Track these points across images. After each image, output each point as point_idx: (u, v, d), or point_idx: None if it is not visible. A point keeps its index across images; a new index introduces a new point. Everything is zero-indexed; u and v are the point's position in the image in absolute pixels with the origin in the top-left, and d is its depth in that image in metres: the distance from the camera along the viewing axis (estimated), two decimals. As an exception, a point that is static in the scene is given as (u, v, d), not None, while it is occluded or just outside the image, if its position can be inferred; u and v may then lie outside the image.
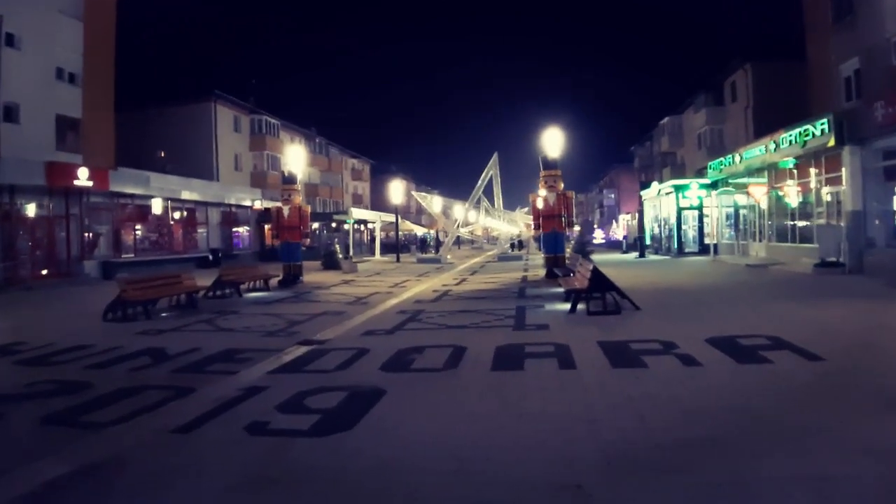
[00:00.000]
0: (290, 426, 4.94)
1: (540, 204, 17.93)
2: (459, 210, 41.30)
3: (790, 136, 18.51)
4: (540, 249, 38.37)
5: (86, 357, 8.19)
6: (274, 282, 18.32)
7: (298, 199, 19.46)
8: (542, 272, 21.37)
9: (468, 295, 15.07)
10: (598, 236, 71.61)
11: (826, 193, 18.18)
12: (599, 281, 10.52)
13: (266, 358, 7.78)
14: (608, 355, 7.17)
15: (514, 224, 41.30)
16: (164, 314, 12.53)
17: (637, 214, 49.00)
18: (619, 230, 74.42)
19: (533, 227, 19.47)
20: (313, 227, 34.10)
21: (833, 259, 16.52)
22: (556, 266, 17.56)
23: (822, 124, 16.68)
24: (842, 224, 16.92)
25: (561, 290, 14.71)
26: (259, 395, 5.94)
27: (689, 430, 4.53)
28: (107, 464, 4.25)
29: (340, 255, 27.13)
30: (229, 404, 5.65)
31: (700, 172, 33.64)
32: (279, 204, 19.74)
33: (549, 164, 18.02)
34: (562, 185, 17.93)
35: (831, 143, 16.40)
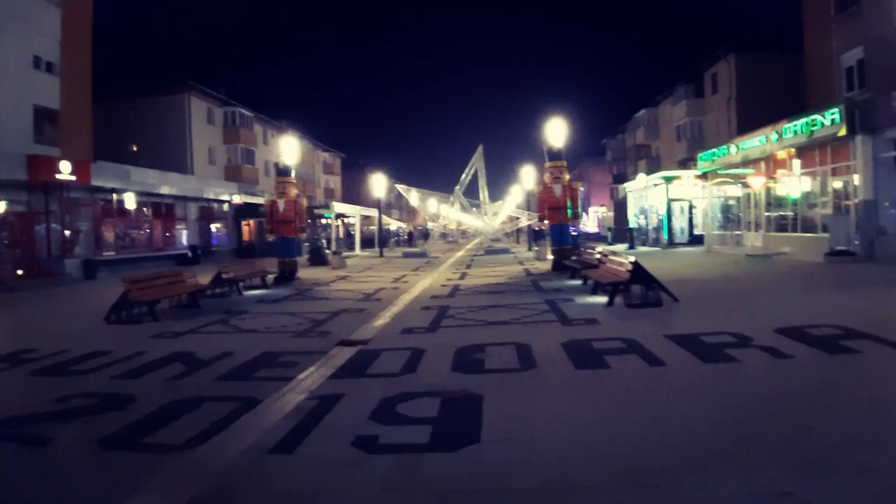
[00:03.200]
0: (404, 440, 4.41)
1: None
2: (434, 204, 40.82)
3: (795, 126, 18.58)
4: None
5: (109, 365, 7.45)
6: (269, 279, 17.55)
7: (294, 191, 18.62)
8: (542, 265, 21.16)
9: (481, 289, 14.61)
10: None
11: (832, 183, 18.28)
12: (640, 273, 10.20)
13: (313, 361, 7.18)
14: (688, 350, 6.86)
15: (482, 219, 40.77)
16: (169, 315, 11.73)
17: (613, 206, 49.42)
18: (590, 222, 75.08)
19: (538, 219, 19.12)
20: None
21: (843, 248, 16.59)
22: (563, 258, 17.27)
23: (833, 114, 16.74)
24: (851, 213, 17.03)
25: (577, 282, 14.47)
26: (340, 404, 5.38)
27: (861, 426, 4.28)
28: (217, 497, 3.64)
29: (328, 251, 26.29)
30: (313, 415, 5.07)
31: (684, 164, 33.93)
32: (264, 199, 18.91)
33: (554, 155, 17.69)
34: (567, 177, 17.62)
35: (842, 132, 16.46)
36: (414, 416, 4.95)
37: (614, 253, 12.90)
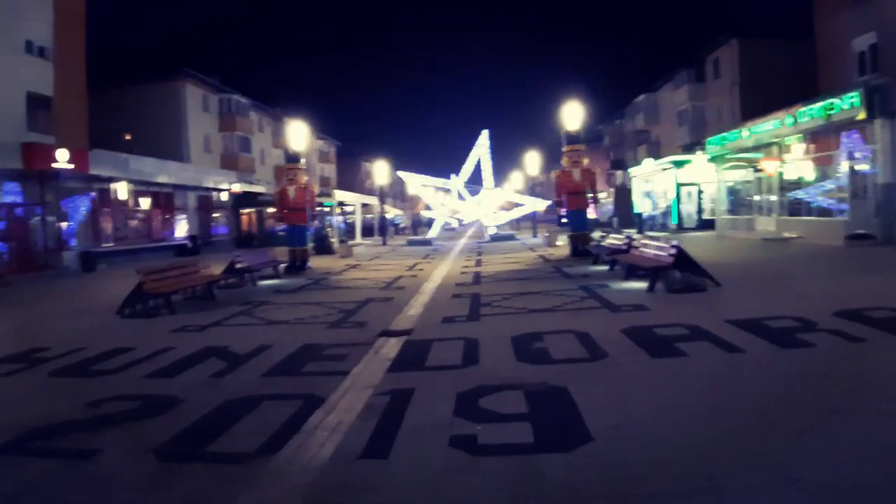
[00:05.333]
0: (507, 439, 4.00)
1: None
2: (433, 191, 40.20)
3: (811, 109, 18.30)
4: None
5: (137, 363, 6.87)
6: (280, 268, 17.04)
7: (304, 178, 18.03)
8: (555, 251, 20.80)
9: (504, 277, 14.21)
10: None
11: (849, 166, 18.01)
12: (684, 258, 9.85)
13: (361, 353, 6.75)
14: (758, 335, 6.54)
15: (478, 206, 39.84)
16: (185, 307, 11.21)
17: (612, 192, 49.05)
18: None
19: (555, 204, 18.72)
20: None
21: (863, 232, 16.39)
22: (582, 244, 16.91)
23: (851, 98, 16.49)
24: (868, 196, 16.82)
25: (601, 268, 14.15)
26: (414, 400, 4.95)
27: None
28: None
29: (333, 239, 25.77)
30: (391, 414, 4.65)
31: (687, 149, 33.60)
32: (263, 187, 18.28)
33: (572, 139, 17.27)
34: (586, 161, 17.21)
35: (861, 116, 16.22)
36: (503, 412, 4.54)
37: (650, 237, 12.53)
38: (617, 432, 3.99)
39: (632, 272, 11.72)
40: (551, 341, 6.86)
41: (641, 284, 10.86)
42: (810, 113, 18.48)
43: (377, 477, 3.55)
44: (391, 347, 7.04)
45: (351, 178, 65.41)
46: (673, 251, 9.89)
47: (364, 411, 4.73)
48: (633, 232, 26.75)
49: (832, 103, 17.47)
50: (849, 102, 16.74)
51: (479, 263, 18.04)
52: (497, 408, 4.63)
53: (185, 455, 4.10)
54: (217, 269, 14.06)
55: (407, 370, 6.01)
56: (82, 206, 22.41)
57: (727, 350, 6.06)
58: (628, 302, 9.24)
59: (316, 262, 20.49)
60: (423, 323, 8.56)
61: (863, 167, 17.38)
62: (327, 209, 32.94)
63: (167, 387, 5.87)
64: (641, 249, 11.73)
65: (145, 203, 26.85)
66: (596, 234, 17.29)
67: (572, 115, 17.43)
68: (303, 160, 18.61)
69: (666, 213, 29.13)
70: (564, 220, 19.78)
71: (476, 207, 35.11)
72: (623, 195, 39.57)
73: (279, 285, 14.55)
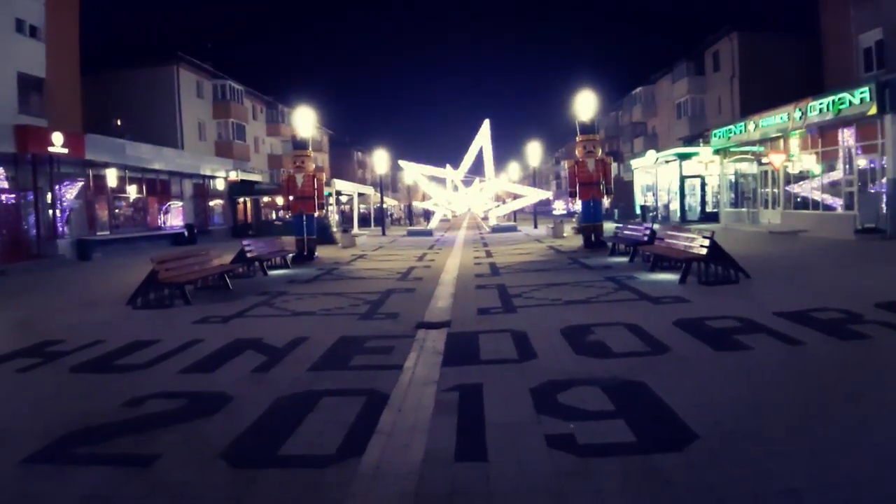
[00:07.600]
0: (605, 438, 3.76)
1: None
2: (431, 181, 39.89)
3: (821, 104, 18.31)
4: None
5: (166, 357, 6.48)
6: (289, 258, 16.65)
7: (312, 166, 17.60)
8: (564, 242, 20.63)
9: (522, 268, 13.98)
10: (559, 207, 71.74)
11: (858, 161, 18.03)
12: (717, 251, 9.69)
13: (406, 346, 6.49)
14: (811, 327, 6.44)
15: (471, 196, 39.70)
16: (199, 297, 10.84)
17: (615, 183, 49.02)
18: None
19: (569, 194, 18.50)
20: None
21: (872, 225, 16.44)
22: (595, 235, 16.73)
23: (862, 93, 16.53)
24: (876, 191, 16.86)
25: (620, 259, 14.00)
26: (487, 397, 4.70)
27: None
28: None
29: (335, 229, 25.37)
30: (467, 411, 4.40)
31: (687, 141, 33.57)
32: (259, 176, 17.77)
33: (586, 129, 17.02)
34: (601, 151, 16.98)
35: (873, 110, 16.27)
36: (589, 408, 4.31)
37: (678, 228, 12.37)
38: (721, 428, 3.79)
39: (657, 263, 11.56)
40: (604, 334, 6.64)
41: (669, 276, 10.74)
42: (820, 107, 18.49)
43: (485, 482, 3.28)
44: (435, 340, 6.78)
45: (343, 168, 64.86)
46: (706, 243, 9.71)
47: (437, 409, 4.46)
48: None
49: (843, 98, 17.47)
50: (859, 97, 16.77)
51: (489, 255, 17.80)
52: (580, 404, 4.40)
53: (257, 459, 3.74)
54: (222, 258, 13.70)
55: (463, 364, 5.74)
56: (76, 192, 21.76)
57: (788, 343, 5.92)
58: (665, 293, 9.07)
59: (320, 252, 20.09)
60: (458, 314, 8.29)
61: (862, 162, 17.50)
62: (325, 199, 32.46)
63: (209, 383, 5.53)
64: (668, 241, 11.55)
65: (141, 190, 26.22)
66: (611, 225, 17.10)
67: (586, 104, 17.19)
68: (310, 148, 18.15)
69: (668, 205, 29.06)
70: (558, 212, 19.45)
71: (470, 198, 34.86)
72: (620, 187, 39.49)
73: (291, 275, 14.20)
